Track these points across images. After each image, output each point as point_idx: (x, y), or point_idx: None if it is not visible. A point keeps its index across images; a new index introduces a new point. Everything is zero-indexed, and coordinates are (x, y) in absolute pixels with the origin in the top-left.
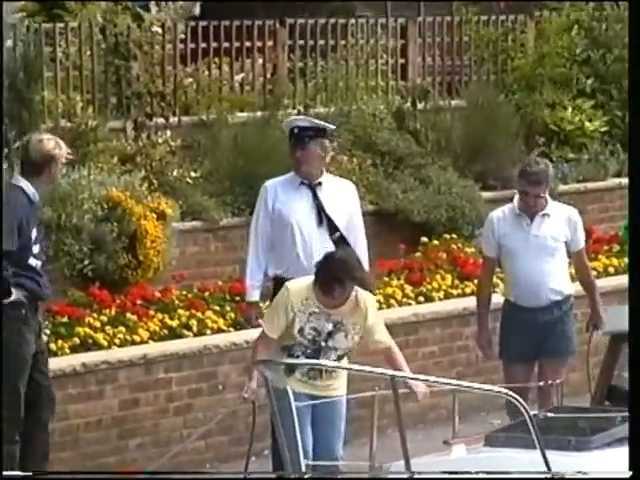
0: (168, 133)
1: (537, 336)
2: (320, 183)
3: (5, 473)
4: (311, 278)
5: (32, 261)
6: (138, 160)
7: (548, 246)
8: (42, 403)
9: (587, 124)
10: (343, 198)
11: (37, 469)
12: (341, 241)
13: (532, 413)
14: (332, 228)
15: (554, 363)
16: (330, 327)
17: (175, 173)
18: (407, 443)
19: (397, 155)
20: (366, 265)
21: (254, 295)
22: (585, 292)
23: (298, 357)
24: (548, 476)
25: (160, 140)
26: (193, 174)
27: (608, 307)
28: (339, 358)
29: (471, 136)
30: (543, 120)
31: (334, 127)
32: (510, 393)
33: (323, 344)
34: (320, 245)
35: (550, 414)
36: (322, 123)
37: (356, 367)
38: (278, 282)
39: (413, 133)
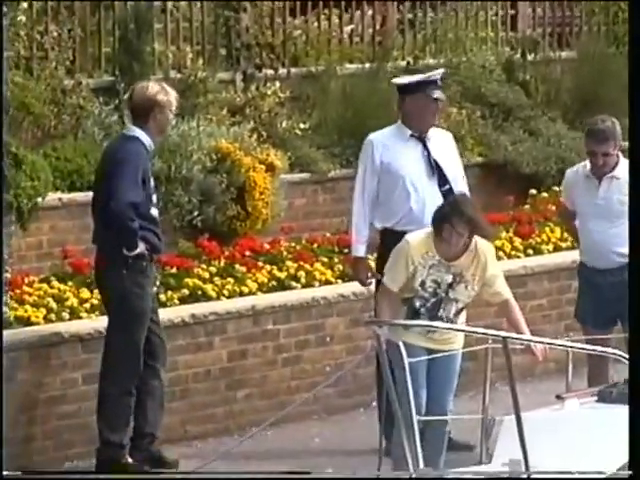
0: (277, 84)
1: (610, 299)
2: (428, 135)
3: (5, 473)
4: (429, 230)
5: (153, 211)
6: (247, 112)
7: (615, 210)
8: (157, 353)
9: None
10: (447, 149)
11: (160, 418)
12: (451, 193)
13: None
14: (443, 180)
15: None
16: (450, 279)
17: (284, 125)
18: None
19: (506, 107)
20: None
21: (361, 250)
22: None
23: (419, 309)
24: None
25: (269, 92)
26: (302, 126)
27: None
28: (459, 310)
29: (581, 88)
30: None
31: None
32: (620, 353)
33: (443, 295)
34: (432, 197)
35: None
36: (436, 73)
37: (469, 328)
38: (387, 234)
39: (522, 85)
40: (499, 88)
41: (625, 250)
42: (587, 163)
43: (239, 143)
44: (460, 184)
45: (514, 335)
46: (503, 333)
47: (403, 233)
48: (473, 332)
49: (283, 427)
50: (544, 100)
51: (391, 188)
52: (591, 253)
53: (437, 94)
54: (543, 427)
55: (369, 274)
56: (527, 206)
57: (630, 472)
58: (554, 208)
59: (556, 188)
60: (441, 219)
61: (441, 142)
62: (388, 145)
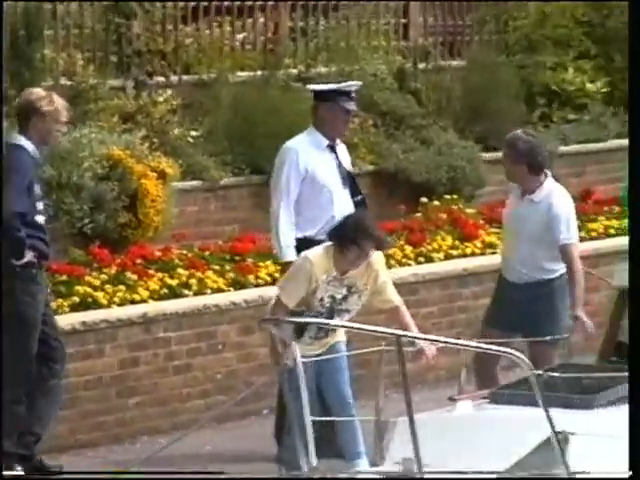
0: (169, 92)
1: (512, 311)
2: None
3: (5, 473)
4: (327, 246)
5: (38, 218)
6: (139, 119)
7: (528, 230)
8: (56, 356)
9: (588, 85)
10: (347, 159)
11: (52, 419)
12: (362, 202)
13: (536, 372)
14: (354, 190)
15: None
16: (344, 291)
17: (176, 132)
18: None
19: (398, 115)
20: None
21: (291, 254)
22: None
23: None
24: (565, 476)
25: (160, 99)
26: (193, 133)
27: (616, 264)
28: (349, 319)
29: (472, 97)
30: (544, 81)
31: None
32: (515, 353)
33: (337, 308)
34: (347, 207)
35: (555, 373)
36: (352, 85)
37: (366, 327)
38: (306, 243)
39: (414, 93)
40: (391, 96)
41: (535, 271)
42: None
43: (130, 150)
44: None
45: (409, 333)
46: (397, 331)
47: (322, 242)
48: (370, 331)
49: (173, 435)
50: (435, 109)
51: (314, 196)
52: (503, 262)
53: (350, 105)
54: (435, 428)
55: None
56: (418, 214)
57: (630, 472)
58: (445, 216)
59: (447, 196)
60: (348, 240)
61: (342, 152)
62: (309, 153)
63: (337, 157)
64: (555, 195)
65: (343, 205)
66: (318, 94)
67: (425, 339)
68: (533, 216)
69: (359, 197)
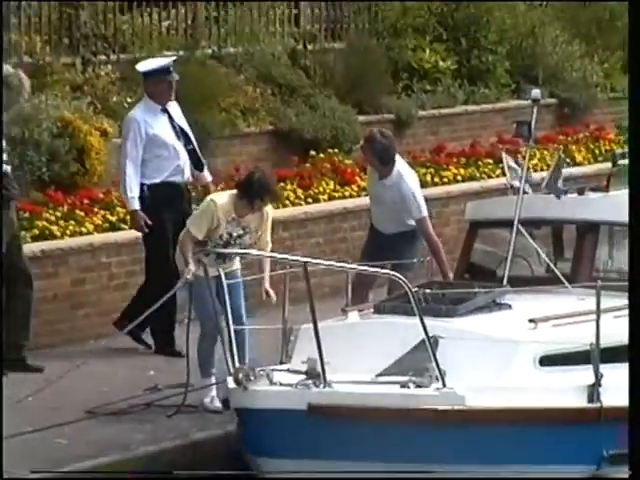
0: (109, 67)
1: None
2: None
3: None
4: (232, 193)
5: (3, 166)
6: (85, 89)
7: (386, 205)
8: (20, 278)
9: (441, 63)
10: (181, 117)
11: (20, 329)
12: (194, 152)
13: (412, 288)
14: (187, 141)
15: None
16: (240, 231)
17: (114, 99)
18: (300, 314)
19: (291, 86)
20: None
21: (136, 204)
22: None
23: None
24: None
25: (103, 73)
26: (129, 100)
27: (469, 202)
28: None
29: (350, 72)
30: (406, 60)
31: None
32: (396, 274)
33: (232, 243)
34: (184, 155)
35: (427, 290)
36: (168, 61)
37: (277, 255)
38: (155, 187)
39: (304, 69)
40: (285, 71)
41: (399, 226)
42: None
43: (79, 114)
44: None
45: (314, 260)
46: (303, 259)
47: (170, 184)
48: (281, 259)
49: (114, 337)
50: (321, 81)
51: (160, 152)
52: (373, 216)
53: (171, 77)
54: (331, 333)
55: (144, 222)
56: (308, 164)
57: (630, 472)
58: (329, 166)
59: (330, 150)
60: (253, 194)
61: (176, 111)
62: (148, 120)
63: (170, 117)
64: (403, 178)
65: (181, 154)
66: (144, 73)
67: (319, 263)
68: (388, 196)
69: (190, 146)
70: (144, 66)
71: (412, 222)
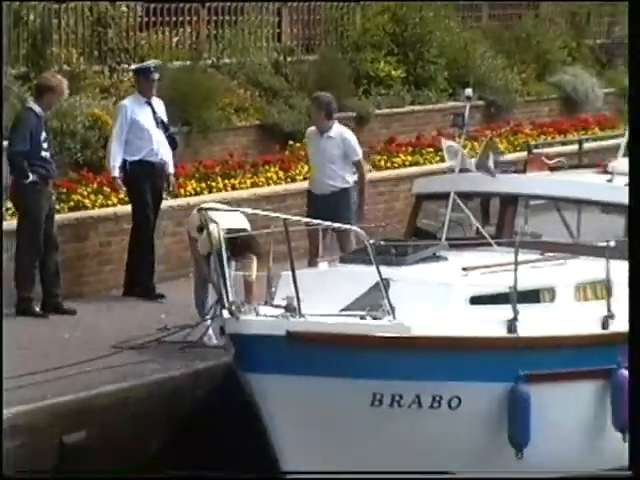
0: (130, 74)
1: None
2: (151, 99)
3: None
4: None
5: (43, 153)
6: (111, 91)
7: (329, 156)
8: (50, 245)
9: (393, 72)
10: (162, 109)
11: (53, 281)
12: (171, 138)
13: (370, 242)
14: (165, 129)
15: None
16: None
17: None
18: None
19: (274, 90)
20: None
21: (117, 172)
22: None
23: None
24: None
25: (125, 79)
26: None
27: (415, 180)
28: None
29: (321, 79)
30: (366, 69)
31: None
32: (354, 228)
33: None
34: (161, 139)
35: (382, 242)
36: (151, 63)
37: (261, 212)
38: (135, 164)
39: (284, 76)
40: (269, 78)
41: (337, 181)
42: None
43: (106, 111)
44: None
45: (294, 217)
46: (284, 216)
47: (147, 162)
48: (264, 215)
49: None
50: (298, 86)
51: (137, 134)
52: (312, 183)
53: (152, 76)
54: (306, 279)
55: (119, 186)
56: (287, 152)
57: (630, 472)
58: (303, 153)
59: (305, 141)
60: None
61: (158, 105)
62: (134, 108)
63: (153, 109)
64: (343, 129)
65: (158, 139)
66: (135, 71)
67: (297, 221)
68: (329, 147)
69: (167, 133)
70: (135, 66)
71: (345, 178)
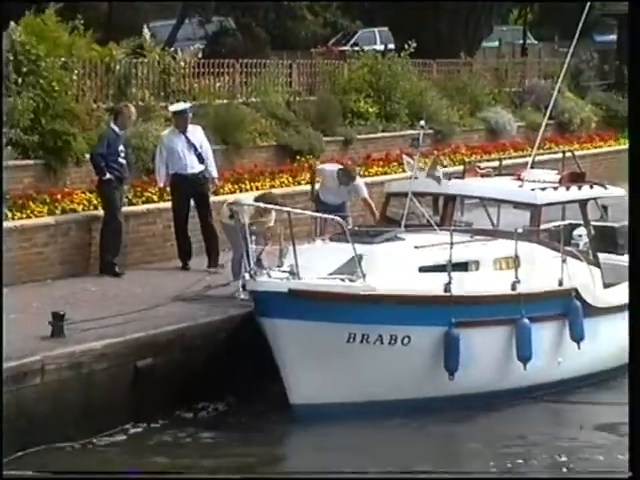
0: None
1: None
2: (186, 130)
3: (5, 473)
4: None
5: (121, 160)
6: (172, 121)
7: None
8: (123, 224)
9: (370, 109)
10: (197, 135)
11: (113, 251)
12: (200, 156)
13: (349, 227)
14: (195, 151)
15: None
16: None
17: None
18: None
19: (287, 120)
20: (215, 168)
21: (162, 182)
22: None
23: None
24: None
25: None
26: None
27: (386, 183)
28: None
29: (319, 113)
30: (350, 107)
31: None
32: (336, 218)
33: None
34: (193, 158)
35: (357, 228)
36: (184, 106)
37: (251, 202)
38: (175, 176)
39: (294, 111)
40: (283, 112)
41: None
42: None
43: None
44: (207, 151)
45: (288, 209)
46: (286, 209)
47: (179, 174)
48: (283, 209)
49: (164, 262)
50: (303, 118)
51: (172, 155)
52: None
53: (185, 115)
54: (306, 252)
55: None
56: (295, 164)
57: (630, 473)
58: (306, 165)
59: (308, 156)
60: None
61: (194, 132)
62: (170, 137)
63: (186, 137)
64: (359, 183)
65: (190, 159)
66: (173, 112)
67: (301, 213)
68: (344, 192)
69: (197, 152)
70: (173, 108)
71: (345, 198)
